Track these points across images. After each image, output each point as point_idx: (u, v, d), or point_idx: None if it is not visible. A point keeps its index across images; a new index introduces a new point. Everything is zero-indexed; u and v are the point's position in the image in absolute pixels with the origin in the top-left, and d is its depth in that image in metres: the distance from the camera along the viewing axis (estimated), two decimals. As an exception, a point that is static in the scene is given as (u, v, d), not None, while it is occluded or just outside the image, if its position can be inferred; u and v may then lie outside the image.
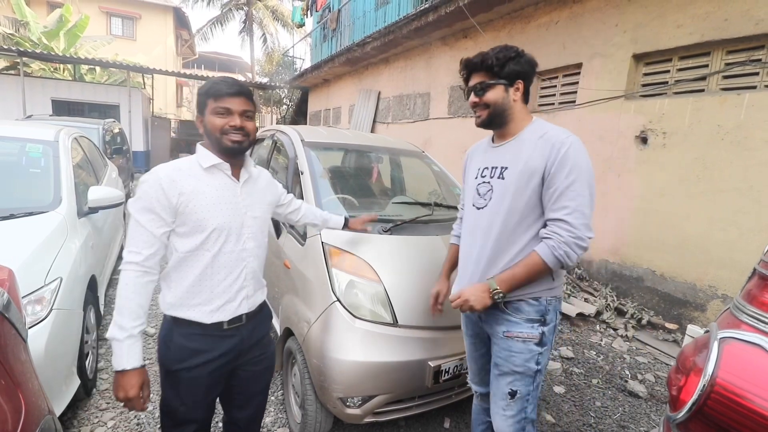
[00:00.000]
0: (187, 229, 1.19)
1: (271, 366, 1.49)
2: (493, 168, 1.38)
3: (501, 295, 1.27)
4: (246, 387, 1.42)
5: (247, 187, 1.31)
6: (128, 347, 1.11)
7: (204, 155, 1.23)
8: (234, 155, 1.25)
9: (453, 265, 1.65)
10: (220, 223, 1.21)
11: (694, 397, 0.78)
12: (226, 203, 1.24)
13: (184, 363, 1.23)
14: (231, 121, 1.19)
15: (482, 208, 1.38)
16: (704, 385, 0.77)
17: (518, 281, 1.26)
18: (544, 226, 1.28)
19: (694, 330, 3.03)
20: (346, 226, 1.81)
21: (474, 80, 1.36)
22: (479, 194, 1.40)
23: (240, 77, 21.30)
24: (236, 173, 1.29)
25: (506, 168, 1.33)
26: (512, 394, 1.35)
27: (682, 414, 0.79)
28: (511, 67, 1.30)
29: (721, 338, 0.81)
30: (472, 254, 1.40)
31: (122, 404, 1.15)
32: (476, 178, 1.44)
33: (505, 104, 1.33)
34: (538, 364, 1.33)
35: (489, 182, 1.37)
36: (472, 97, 1.37)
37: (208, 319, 1.23)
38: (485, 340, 1.50)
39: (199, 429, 1.35)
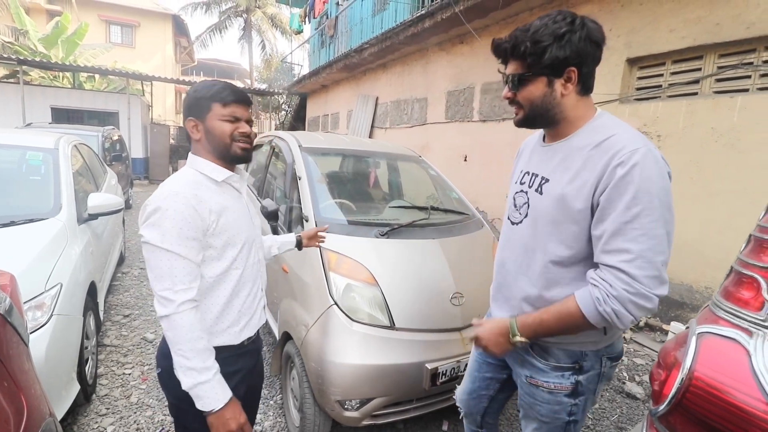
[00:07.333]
0: (215, 252, 1.09)
1: (263, 371, 1.45)
2: (533, 175, 1.08)
3: (522, 342, 1.00)
4: (248, 397, 1.34)
5: (246, 198, 1.25)
6: (218, 383, 1.04)
7: (213, 168, 1.13)
8: (241, 163, 1.19)
9: None
10: (247, 237, 1.17)
11: (673, 390, 0.80)
12: (242, 216, 1.18)
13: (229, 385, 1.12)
14: (241, 128, 1.12)
15: (517, 223, 1.12)
16: (683, 378, 0.79)
17: (546, 331, 0.98)
18: (595, 265, 0.95)
19: (676, 326, 3.05)
20: (299, 244, 1.61)
21: (510, 68, 1.03)
22: (515, 206, 1.14)
23: (239, 83, 21.44)
24: None
25: (547, 180, 1.03)
26: None
27: (662, 407, 0.82)
28: (554, 53, 0.92)
29: (699, 333, 0.83)
30: (507, 270, 1.16)
31: None
32: (515, 183, 1.17)
33: (548, 102, 0.98)
34: (571, 415, 1.07)
35: (526, 193, 1.09)
36: (506, 91, 1.05)
37: (237, 339, 1.17)
38: (495, 367, 1.27)
39: None
